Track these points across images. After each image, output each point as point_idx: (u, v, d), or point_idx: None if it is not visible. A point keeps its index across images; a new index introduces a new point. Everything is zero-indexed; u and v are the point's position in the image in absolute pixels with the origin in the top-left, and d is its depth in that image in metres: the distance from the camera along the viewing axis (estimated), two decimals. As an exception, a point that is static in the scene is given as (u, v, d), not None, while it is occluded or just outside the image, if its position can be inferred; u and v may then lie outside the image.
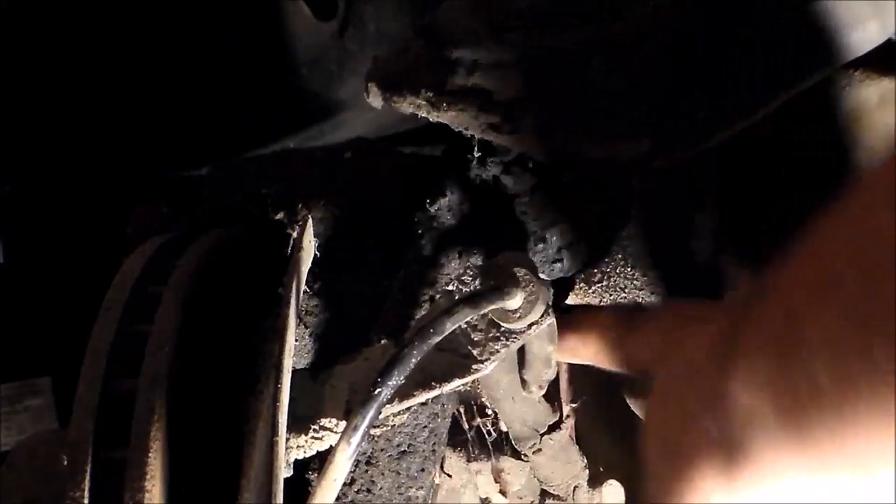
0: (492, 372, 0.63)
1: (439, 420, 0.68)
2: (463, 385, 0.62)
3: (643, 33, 0.63)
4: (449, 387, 0.61)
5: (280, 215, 0.71)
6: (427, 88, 0.64)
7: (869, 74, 0.69)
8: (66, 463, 0.53)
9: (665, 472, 0.45)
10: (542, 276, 0.69)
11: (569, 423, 0.78)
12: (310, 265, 0.64)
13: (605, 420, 0.80)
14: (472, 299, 0.57)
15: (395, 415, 0.64)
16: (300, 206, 0.71)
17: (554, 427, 0.77)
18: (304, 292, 0.69)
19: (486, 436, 0.75)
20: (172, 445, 0.54)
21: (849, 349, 0.31)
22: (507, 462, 0.77)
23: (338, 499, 0.56)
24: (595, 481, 0.81)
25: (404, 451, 0.66)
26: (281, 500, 0.51)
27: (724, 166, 0.71)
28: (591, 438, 0.80)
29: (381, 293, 0.70)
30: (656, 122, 0.59)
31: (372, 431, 0.63)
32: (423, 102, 0.64)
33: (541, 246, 0.72)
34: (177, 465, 0.54)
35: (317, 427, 0.60)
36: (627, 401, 0.63)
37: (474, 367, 0.61)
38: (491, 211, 0.73)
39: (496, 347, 0.61)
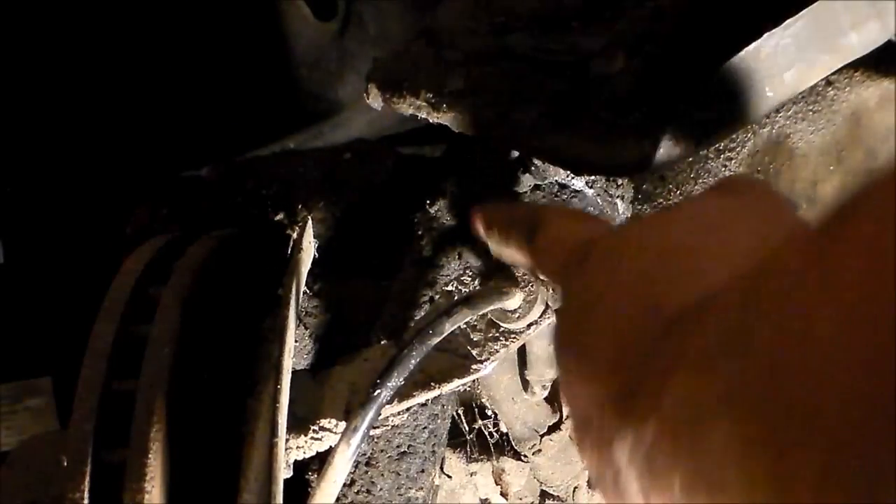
0: (492, 372, 0.63)
1: (439, 421, 0.68)
2: (463, 385, 0.62)
3: (643, 34, 0.63)
4: (448, 387, 0.61)
5: (280, 216, 0.71)
6: (427, 89, 0.64)
7: (869, 75, 0.69)
8: (66, 464, 0.53)
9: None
10: (541, 276, 0.69)
11: (569, 424, 0.78)
12: (309, 266, 0.64)
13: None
14: (471, 300, 0.57)
15: (394, 415, 0.64)
16: (300, 206, 0.71)
17: (554, 428, 0.77)
18: (304, 293, 0.69)
19: (488, 437, 0.75)
20: (172, 446, 0.54)
21: None
22: (507, 463, 0.77)
23: (337, 500, 0.56)
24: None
25: (404, 452, 0.66)
26: (280, 501, 0.51)
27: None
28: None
29: (380, 294, 0.70)
30: (657, 124, 0.59)
31: (371, 432, 0.63)
32: (423, 103, 0.64)
33: (541, 247, 0.72)
34: (176, 466, 0.54)
35: (316, 428, 0.60)
36: None
37: (474, 367, 0.61)
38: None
39: (495, 348, 0.61)
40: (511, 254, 0.55)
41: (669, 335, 0.32)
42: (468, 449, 0.75)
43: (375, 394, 0.53)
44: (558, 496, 0.81)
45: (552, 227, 0.51)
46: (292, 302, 0.57)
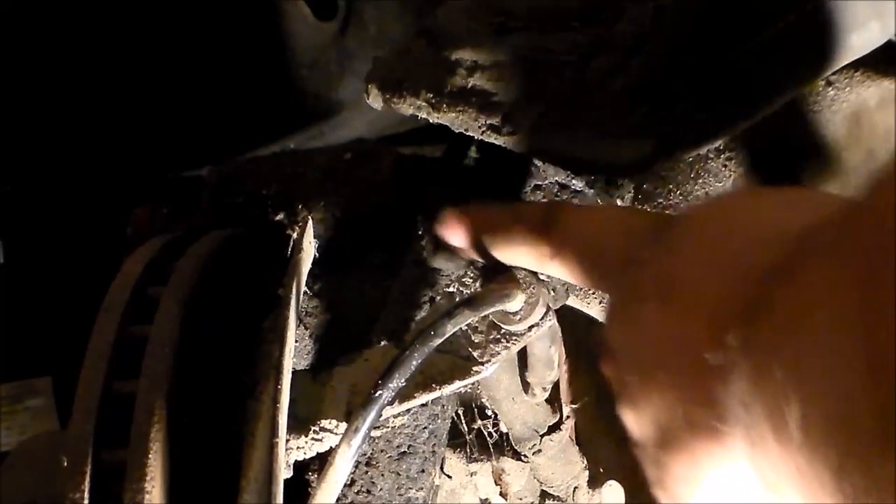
0: (492, 373, 0.63)
1: (439, 421, 0.68)
2: (464, 387, 0.62)
3: (643, 34, 0.63)
4: (449, 388, 0.61)
5: (280, 216, 0.71)
6: (427, 90, 0.64)
7: (869, 75, 0.69)
8: (65, 464, 0.53)
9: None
10: (542, 277, 0.69)
11: (569, 424, 0.78)
12: (310, 266, 0.64)
13: (606, 421, 0.80)
14: (473, 301, 0.57)
15: (395, 416, 0.64)
16: (300, 206, 0.71)
17: (554, 428, 0.77)
18: (304, 293, 0.69)
19: (488, 437, 0.75)
20: (172, 446, 0.54)
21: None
22: (507, 463, 0.77)
23: (338, 500, 0.56)
24: (595, 482, 0.81)
25: (404, 452, 0.66)
26: (281, 502, 0.51)
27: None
28: (592, 439, 0.81)
29: (381, 294, 0.70)
30: (657, 124, 0.59)
31: (372, 433, 0.64)
32: (424, 104, 0.64)
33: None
34: (177, 467, 0.54)
35: (317, 428, 0.60)
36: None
37: (475, 368, 0.60)
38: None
39: (497, 349, 0.61)
40: (514, 252, 0.55)
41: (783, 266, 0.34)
42: (468, 449, 0.75)
43: (376, 395, 0.53)
44: (558, 496, 0.81)
45: (579, 215, 0.51)
46: (292, 302, 0.57)
